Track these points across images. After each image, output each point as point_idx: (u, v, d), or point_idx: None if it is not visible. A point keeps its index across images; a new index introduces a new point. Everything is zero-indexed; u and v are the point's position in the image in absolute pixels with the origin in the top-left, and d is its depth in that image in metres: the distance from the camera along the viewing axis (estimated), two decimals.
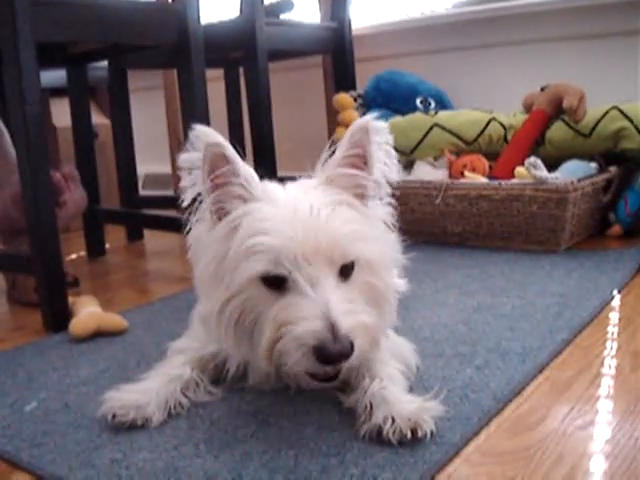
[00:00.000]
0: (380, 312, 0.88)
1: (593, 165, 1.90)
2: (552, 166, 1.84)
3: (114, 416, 0.91)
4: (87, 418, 0.95)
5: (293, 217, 0.83)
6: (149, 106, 3.09)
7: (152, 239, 2.41)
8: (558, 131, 1.95)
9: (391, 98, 2.32)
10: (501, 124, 2.04)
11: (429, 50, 2.50)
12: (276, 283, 0.83)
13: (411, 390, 0.95)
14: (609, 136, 1.87)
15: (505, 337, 1.16)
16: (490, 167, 1.99)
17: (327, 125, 2.64)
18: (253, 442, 0.85)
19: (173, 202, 2.18)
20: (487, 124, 2.04)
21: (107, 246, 2.24)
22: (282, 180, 0.94)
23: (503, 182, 1.80)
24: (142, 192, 2.78)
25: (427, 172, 2.03)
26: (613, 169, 1.89)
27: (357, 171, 0.89)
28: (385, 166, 0.91)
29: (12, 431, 0.94)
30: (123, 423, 0.90)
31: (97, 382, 1.09)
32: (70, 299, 1.43)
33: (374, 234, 0.89)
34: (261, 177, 0.91)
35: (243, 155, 0.89)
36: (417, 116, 2.13)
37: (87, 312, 1.36)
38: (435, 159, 2.10)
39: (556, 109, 1.96)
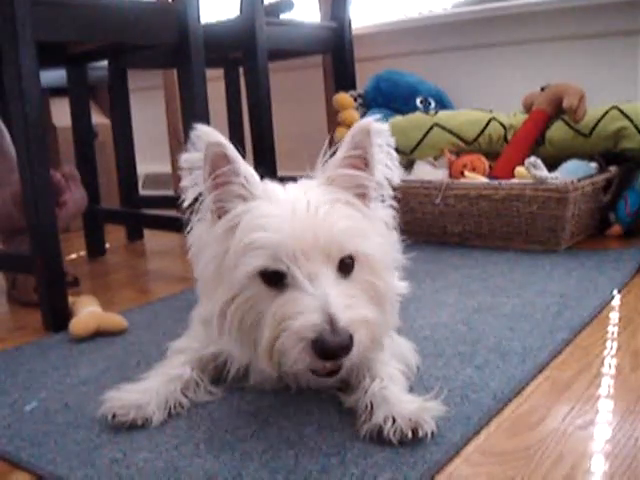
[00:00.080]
0: (382, 311, 0.88)
1: (593, 165, 1.90)
2: (552, 166, 1.84)
3: (114, 416, 0.91)
4: (87, 418, 0.95)
5: (292, 214, 0.83)
6: (149, 106, 3.09)
7: (152, 239, 2.41)
8: (558, 131, 1.95)
9: (391, 98, 2.32)
10: (501, 124, 2.04)
11: (429, 50, 2.50)
12: (275, 279, 0.83)
13: (411, 390, 0.95)
14: (609, 136, 1.87)
15: (505, 337, 1.16)
16: (490, 167, 1.99)
17: (327, 125, 2.64)
18: (253, 442, 0.85)
19: (173, 202, 2.18)
20: (487, 124, 2.04)
21: (107, 246, 2.24)
22: (282, 180, 0.94)
23: (503, 182, 1.80)
24: (142, 192, 2.78)
25: (427, 172, 2.03)
26: (613, 169, 1.89)
27: (358, 172, 0.89)
28: (386, 168, 0.91)
29: (12, 431, 0.94)
30: (123, 423, 0.90)
31: (97, 382, 1.09)
32: (70, 299, 1.43)
33: (373, 231, 0.89)
34: (261, 177, 0.91)
35: (243, 155, 0.89)
36: (417, 116, 2.13)
37: (87, 312, 1.36)
38: (435, 159, 2.10)
39: (556, 109, 1.96)
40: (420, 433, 0.81)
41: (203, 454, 0.83)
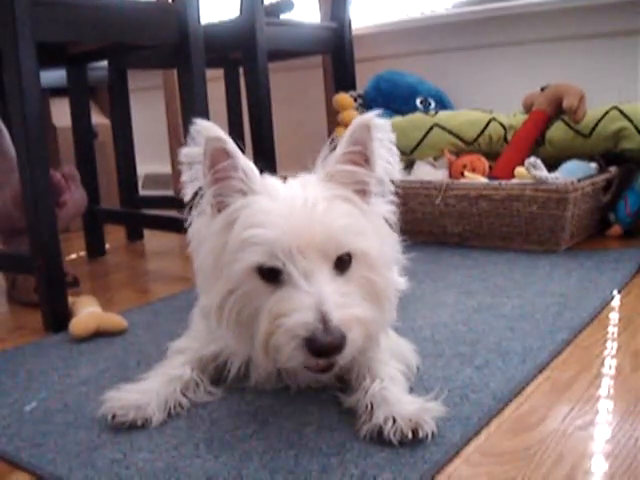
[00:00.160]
0: (379, 308, 0.88)
1: (593, 165, 1.90)
2: (552, 166, 1.84)
3: (114, 416, 0.91)
4: (87, 418, 0.95)
5: (289, 210, 0.84)
6: (149, 106, 3.09)
7: (152, 239, 2.41)
8: (558, 131, 1.95)
9: (391, 98, 2.32)
10: (501, 124, 2.04)
11: (429, 50, 2.50)
12: (271, 276, 0.83)
13: (411, 390, 0.95)
14: (609, 136, 1.87)
15: (505, 337, 1.16)
16: (490, 167, 1.99)
17: (327, 125, 2.64)
18: (253, 442, 0.85)
19: (173, 202, 2.21)
20: (487, 124, 2.04)
21: (107, 246, 2.24)
22: (283, 178, 0.94)
23: (503, 182, 1.80)
24: (142, 192, 2.78)
25: (427, 172, 2.03)
26: (613, 169, 1.89)
27: (358, 168, 0.89)
28: (387, 164, 0.91)
29: (12, 431, 0.94)
30: (123, 423, 0.90)
31: (97, 382, 1.09)
32: (70, 299, 1.43)
33: (372, 229, 0.89)
34: (261, 171, 0.91)
35: (243, 150, 0.89)
36: (417, 116, 2.13)
37: (87, 312, 1.36)
38: (435, 159, 2.10)
39: (556, 109, 1.96)
40: (420, 433, 0.81)
41: (203, 454, 0.83)
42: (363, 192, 0.91)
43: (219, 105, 2.51)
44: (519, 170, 1.82)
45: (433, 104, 2.32)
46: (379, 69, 2.43)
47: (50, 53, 1.89)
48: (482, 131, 2.03)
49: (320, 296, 0.79)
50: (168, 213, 2.00)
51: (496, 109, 2.11)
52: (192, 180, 0.89)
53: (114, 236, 2.41)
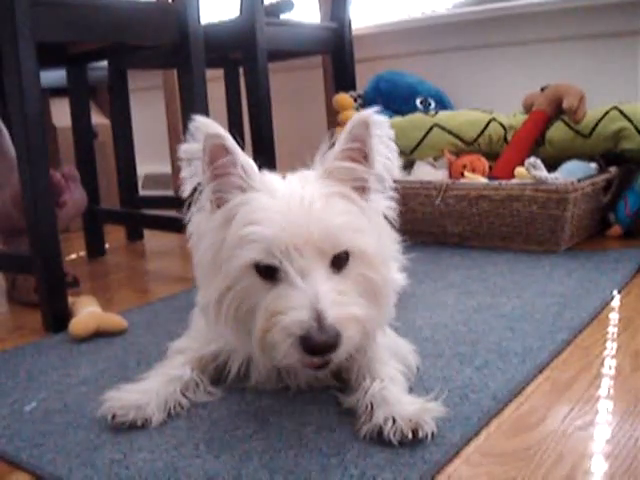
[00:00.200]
0: (376, 305, 0.88)
1: (593, 165, 1.90)
2: (552, 166, 1.84)
3: (114, 416, 0.91)
4: (87, 418, 0.95)
5: (287, 208, 0.84)
6: (149, 106, 3.09)
7: (152, 239, 2.41)
8: (558, 131, 1.95)
9: (391, 98, 2.32)
10: (501, 124, 2.04)
11: (429, 50, 2.50)
12: (268, 273, 0.83)
13: (411, 390, 0.95)
14: (609, 136, 1.87)
15: (505, 337, 1.16)
16: (490, 167, 1.99)
17: (327, 125, 2.64)
18: (253, 442, 0.85)
19: (173, 202, 2.20)
20: (487, 124, 2.04)
21: (107, 246, 2.24)
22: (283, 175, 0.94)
23: (503, 182, 1.80)
24: (142, 192, 2.78)
25: (427, 172, 2.03)
26: (613, 169, 1.89)
27: (356, 165, 0.89)
28: (387, 160, 0.91)
29: (12, 431, 0.94)
30: (123, 423, 0.90)
31: (97, 382, 1.09)
32: (70, 299, 1.43)
33: (371, 227, 0.89)
34: (260, 167, 0.91)
35: (242, 146, 0.89)
36: (417, 116, 2.13)
37: (87, 312, 1.35)
38: (435, 159, 2.10)
39: (556, 109, 1.96)
40: (420, 434, 0.81)
41: (203, 454, 0.83)
42: (362, 189, 0.91)
43: (219, 105, 2.51)
44: (519, 170, 1.82)
45: (433, 104, 2.33)
46: (379, 69, 2.43)
47: (50, 53, 1.89)
48: (482, 131, 2.03)
49: (316, 294, 0.80)
50: (168, 213, 2.00)
51: (496, 109, 2.11)
52: (191, 176, 0.89)
53: (114, 236, 2.41)
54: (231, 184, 0.88)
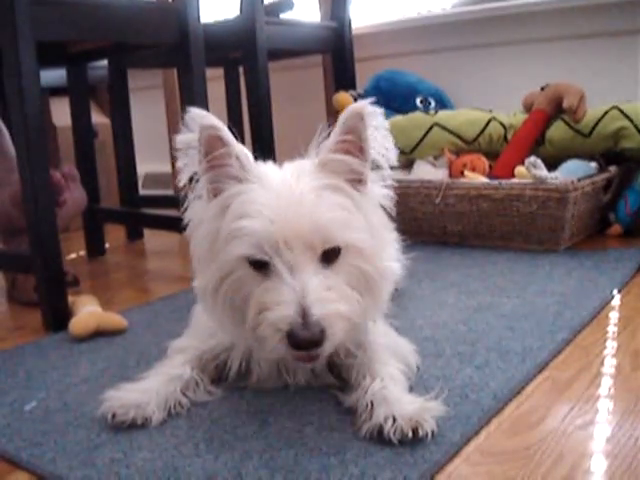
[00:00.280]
0: (370, 296, 0.89)
1: (593, 165, 1.90)
2: (552, 166, 1.84)
3: (114, 415, 0.91)
4: (87, 417, 0.95)
5: (278, 202, 0.84)
6: (149, 106, 3.09)
7: (152, 238, 2.41)
8: (558, 131, 1.95)
9: (391, 97, 2.32)
10: (501, 124, 2.04)
11: (429, 50, 2.50)
12: (260, 265, 0.84)
13: (411, 390, 0.95)
14: (609, 136, 1.87)
15: (505, 337, 1.16)
16: (490, 167, 1.99)
17: (327, 125, 2.63)
18: (253, 441, 0.85)
19: (173, 202, 2.20)
20: (487, 124, 2.04)
21: (107, 246, 2.24)
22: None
23: (503, 182, 1.80)
24: (142, 191, 2.78)
25: (427, 171, 2.03)
26: (613, 169, 1.89)
27: (350, 157, 0.88)
28: (383, 149, 0.90)
29: (12, 430, 0.94)
30: (123, 422, 0.90)
31: (97, 381, 1.09)
32: (70, 298, 1.43)
33: (364, 218, 0.88)
34: (256, 158, 0.91)
35: (238, 137, 0.89)
36: (417, 115, 2.13)
37: (87, 311, 1.35)
38: (435, 158, 2.10)
39: (556, 109, 1.96)
40: (420, 433, 0.81)
41: (203, 454, 0.83)
42: (357, 181, 0.90)
43: (219, 105, 2.51)
44: (519, 169, 1.82)
45: (433, 103, 2.32)
46: (379, 68, 2.43)
47: (50, 53, 1.89)
48: (482, 130, 2.03)
49: (303, 290, 0.80)
50: (168, 212, 2.00)
51: (496, 109, 2.11)
52: (187, 166, 0.90)
53: (114, 235, 2.41)
54: (227, 174, 0.88)
